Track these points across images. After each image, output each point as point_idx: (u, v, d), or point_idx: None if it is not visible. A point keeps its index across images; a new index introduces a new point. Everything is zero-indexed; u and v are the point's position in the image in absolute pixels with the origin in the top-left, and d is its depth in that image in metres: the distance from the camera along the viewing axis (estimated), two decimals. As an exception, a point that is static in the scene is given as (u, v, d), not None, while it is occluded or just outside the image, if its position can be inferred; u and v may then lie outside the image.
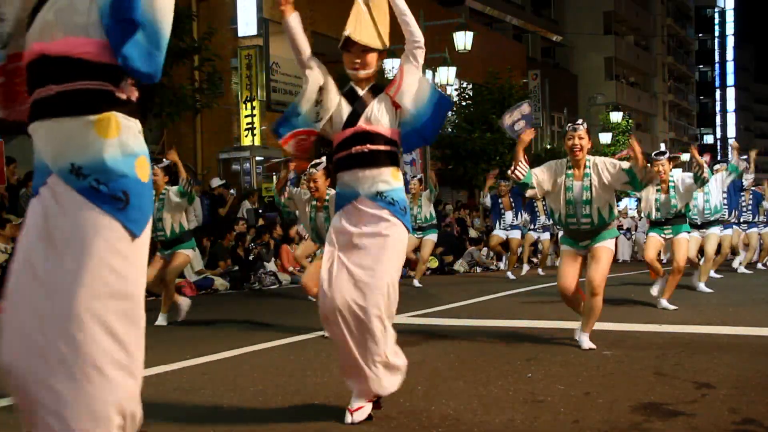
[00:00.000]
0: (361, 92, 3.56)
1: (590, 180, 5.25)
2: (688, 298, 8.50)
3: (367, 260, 3.34)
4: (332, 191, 10.48)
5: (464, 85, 23.03)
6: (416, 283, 11.51)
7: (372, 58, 3.50)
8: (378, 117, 3.49)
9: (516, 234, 13.34)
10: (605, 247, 5.27)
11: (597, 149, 31.77)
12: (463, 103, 22.66)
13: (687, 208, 7.64)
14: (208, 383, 4.40)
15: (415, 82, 3.50)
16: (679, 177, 8.43)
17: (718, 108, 69.11)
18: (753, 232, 12.80)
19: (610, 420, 3.37)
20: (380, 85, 3.61)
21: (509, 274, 13.21)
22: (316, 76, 3.50)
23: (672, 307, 7.50)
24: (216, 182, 14.60)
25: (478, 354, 5.18)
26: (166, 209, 7.16)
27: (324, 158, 6.62)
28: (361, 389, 3.41)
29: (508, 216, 13.25)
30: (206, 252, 11.79)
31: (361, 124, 3.48)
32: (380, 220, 3.40)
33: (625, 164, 5.18)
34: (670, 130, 51.12)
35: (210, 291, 11.12)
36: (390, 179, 3.46)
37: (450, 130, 23.03)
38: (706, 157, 11.00)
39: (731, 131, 68.79)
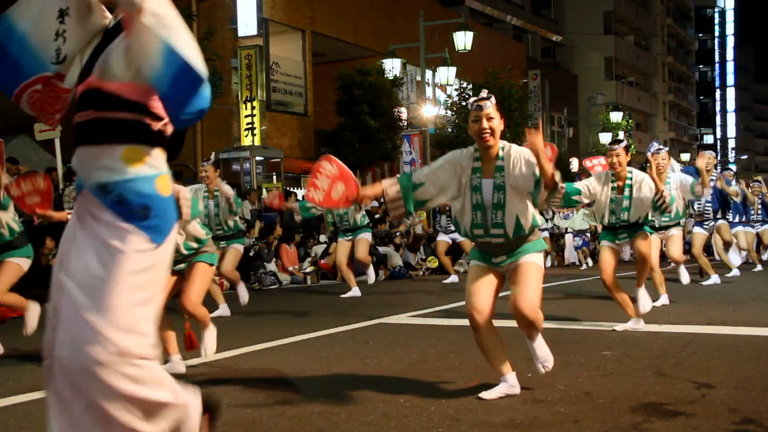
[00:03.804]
0: (111, 24, 2.31)
1: (504, 176, 3.80)
2: (688, 298, 8.49)
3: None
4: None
5: (464, 85, 23.04)
6: (353, 291, 9.71)
7: None
8: (112, 65, 2.19)
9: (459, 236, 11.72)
10: (530, 263, 3.85)
11: (597, 149, 31.80)
12: (463, 103, 22.68)
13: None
14: (206, 383, 4.40)
15: (143, 35, 2.03)
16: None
17: (718, 108, 69.19)
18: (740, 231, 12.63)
19: (610, 420, 3.37)
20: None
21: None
22: None
23: (638, 328, 6.09)
24: (216, 182, 14.57)
25: (478, 354, 5.17)
26: None
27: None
28: None
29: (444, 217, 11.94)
30: (206, 252, 11.77)
31: (93, 76, 2.23)
32: (110, 230, 2.15)
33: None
34: (670, 130, 51.15)
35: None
36: (120, 164, 2.17)
37: (450, 130, 23.03)
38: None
39: (731, 131, 68.88)
